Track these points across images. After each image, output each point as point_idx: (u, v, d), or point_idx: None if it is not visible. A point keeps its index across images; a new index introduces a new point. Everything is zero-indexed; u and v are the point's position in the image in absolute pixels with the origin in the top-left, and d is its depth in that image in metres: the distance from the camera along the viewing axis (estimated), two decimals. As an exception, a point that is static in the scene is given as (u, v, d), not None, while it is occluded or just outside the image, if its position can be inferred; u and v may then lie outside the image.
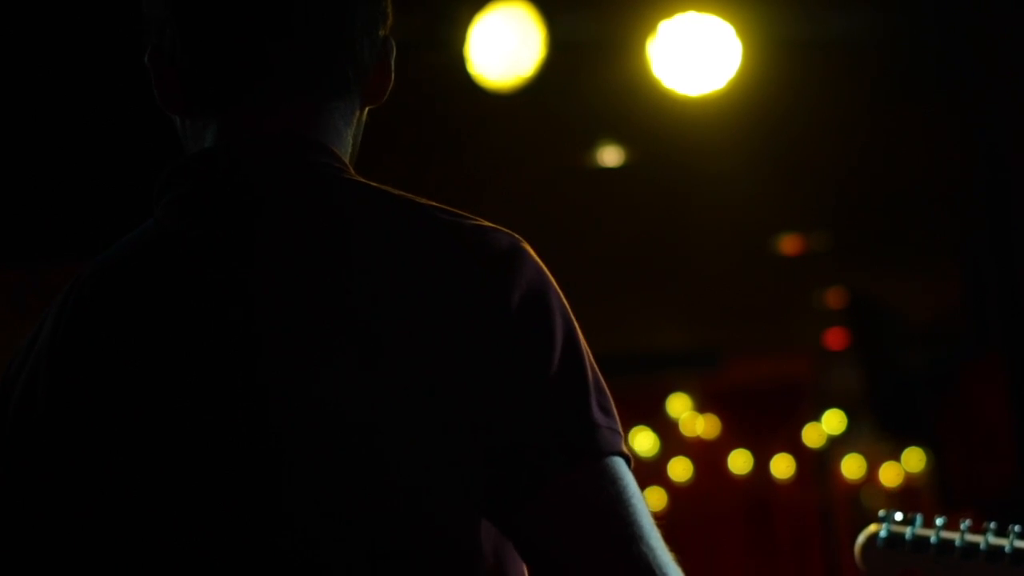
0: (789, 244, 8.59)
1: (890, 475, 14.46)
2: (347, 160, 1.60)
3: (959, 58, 5.48)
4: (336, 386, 1.43)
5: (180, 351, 1.48)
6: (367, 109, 1.65)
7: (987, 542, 1.83)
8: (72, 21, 3.52)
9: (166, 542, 1.46)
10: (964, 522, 1.85)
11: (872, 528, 1.86)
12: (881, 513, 1.84)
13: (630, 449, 1.48)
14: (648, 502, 1.46)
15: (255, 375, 1.45)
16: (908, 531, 1.84)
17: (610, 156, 6.67)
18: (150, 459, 1.47)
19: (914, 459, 13.75)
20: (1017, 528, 1.83)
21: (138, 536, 1.47)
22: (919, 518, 1.85)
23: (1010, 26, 5.32)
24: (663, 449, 13.87)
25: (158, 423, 1.47)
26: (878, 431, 10.36)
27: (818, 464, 13.63)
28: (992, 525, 1.83)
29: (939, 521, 1.85)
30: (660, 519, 1.46)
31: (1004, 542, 1.83)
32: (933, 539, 1.83)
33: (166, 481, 1.46)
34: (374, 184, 1.55)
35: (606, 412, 1.46)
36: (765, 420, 13.84)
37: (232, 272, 1.49)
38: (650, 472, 13.10)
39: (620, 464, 1.45)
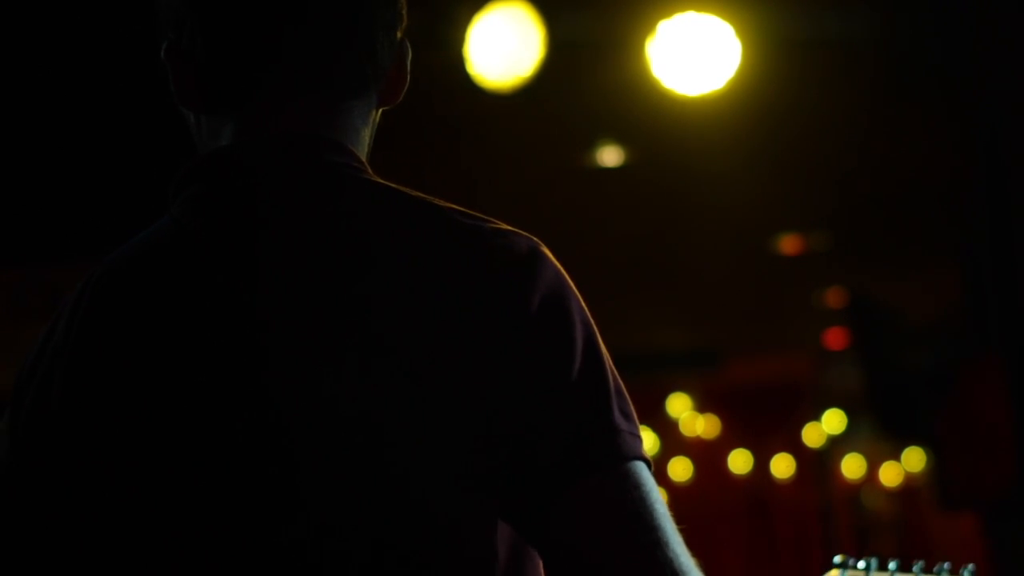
0: (789, 244, 8.60)
1: (890, 475, 14.47)
2: (364, 160, 1.60)
3: (958, 58, 5.49)
4: (345, 386, 1.42)
5: (191, 351, 1.48)
6: (381, 110, 1.64)
7: None
8: (72, 25, 3.52)
9: (173, 541, 1.46)
10: (917, 564, 1.85)
11: (832, 574, 1.87)
12: (837, 559, 1.84)
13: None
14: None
15: (264, 375, 1.45)
16: None
17: (610, 156, 6.67)
18: (160, 458, 1.47)
19: (914, 459, 13.76)
20: (971, 567, 1.83)
21: (146, 535, 1.47)
22: (874, 562, 1.85)
23: (1009, 26, 5.33)
24: (663, 449, 13.88)
25: (168, 422, 1.47)
26: (878, 431, 10.37)
27: (818, 464, 13.63)
28: (946, 566, 1.84)
29: (892, 565, 1.85)
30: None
31: None
32: None
33: (174, 481, 1.46)
34: (393, 185, 1.54)
35: (627, 417, 1.45)
36: (765, 420, 13.85)
37: (245, 272, 1.49)
38: (650, 472, 13.08)
39: (642, 468, 1.44)
